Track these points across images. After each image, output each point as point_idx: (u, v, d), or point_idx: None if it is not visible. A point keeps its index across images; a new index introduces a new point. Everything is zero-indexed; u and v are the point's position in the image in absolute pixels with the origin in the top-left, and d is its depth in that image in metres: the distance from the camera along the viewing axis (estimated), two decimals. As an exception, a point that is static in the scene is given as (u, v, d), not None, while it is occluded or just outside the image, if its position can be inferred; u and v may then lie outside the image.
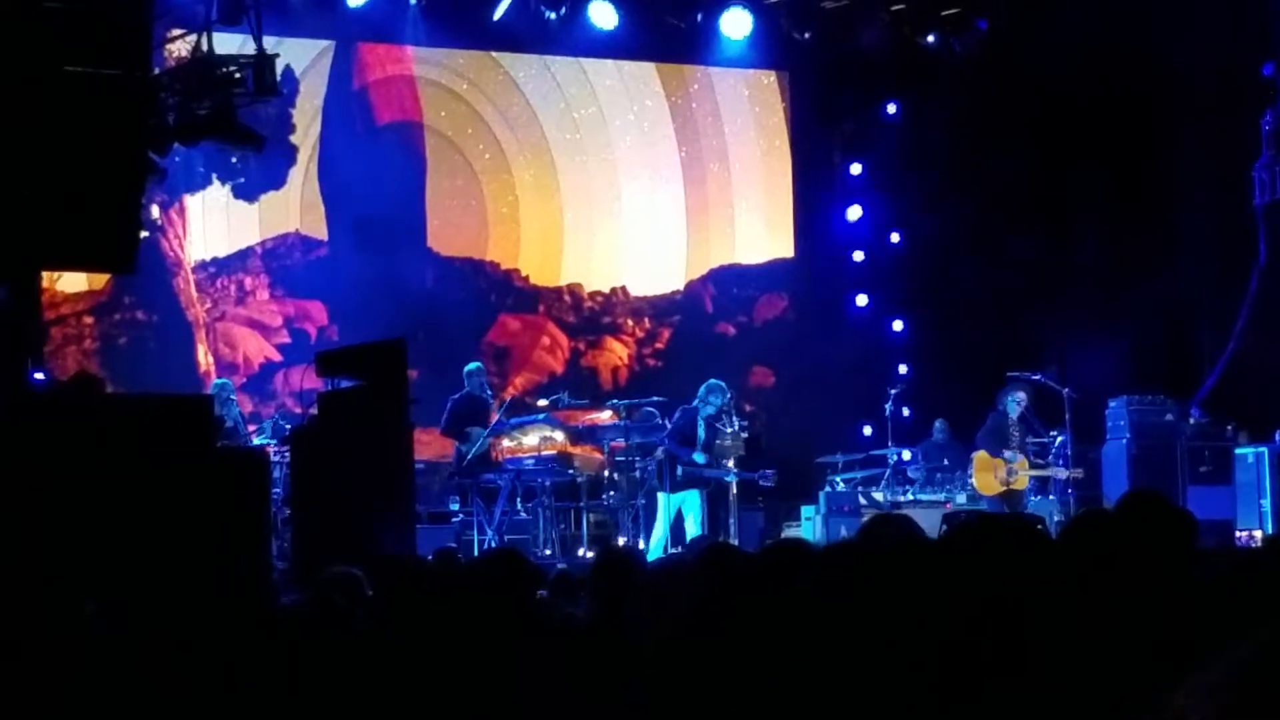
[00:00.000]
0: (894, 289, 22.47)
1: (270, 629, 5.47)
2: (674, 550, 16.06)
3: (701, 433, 16.96)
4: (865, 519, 10.81)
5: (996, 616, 3.24)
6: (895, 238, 22.57)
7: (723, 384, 17.22)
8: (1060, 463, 17.37)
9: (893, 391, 19.16)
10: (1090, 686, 3.26)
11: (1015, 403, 17.19)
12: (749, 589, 3.44)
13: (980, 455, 17.34)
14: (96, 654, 5.07)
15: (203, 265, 19.84)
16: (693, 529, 16.55)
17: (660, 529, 16.88)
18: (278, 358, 19.97)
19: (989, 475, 17.17)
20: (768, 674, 2.71)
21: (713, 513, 17.10)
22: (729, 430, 16.97)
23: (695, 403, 17.13)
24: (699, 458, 16.82)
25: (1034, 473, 17.27)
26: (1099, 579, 3.90)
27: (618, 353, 21.80)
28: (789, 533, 18.42)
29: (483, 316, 21.12)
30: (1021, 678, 3.18)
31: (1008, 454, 17.05)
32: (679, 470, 16.86)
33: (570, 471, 17.39)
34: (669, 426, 17.12)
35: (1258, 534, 17.23)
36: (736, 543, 16.46)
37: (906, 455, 19.10)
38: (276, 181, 20.10)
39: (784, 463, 18.98)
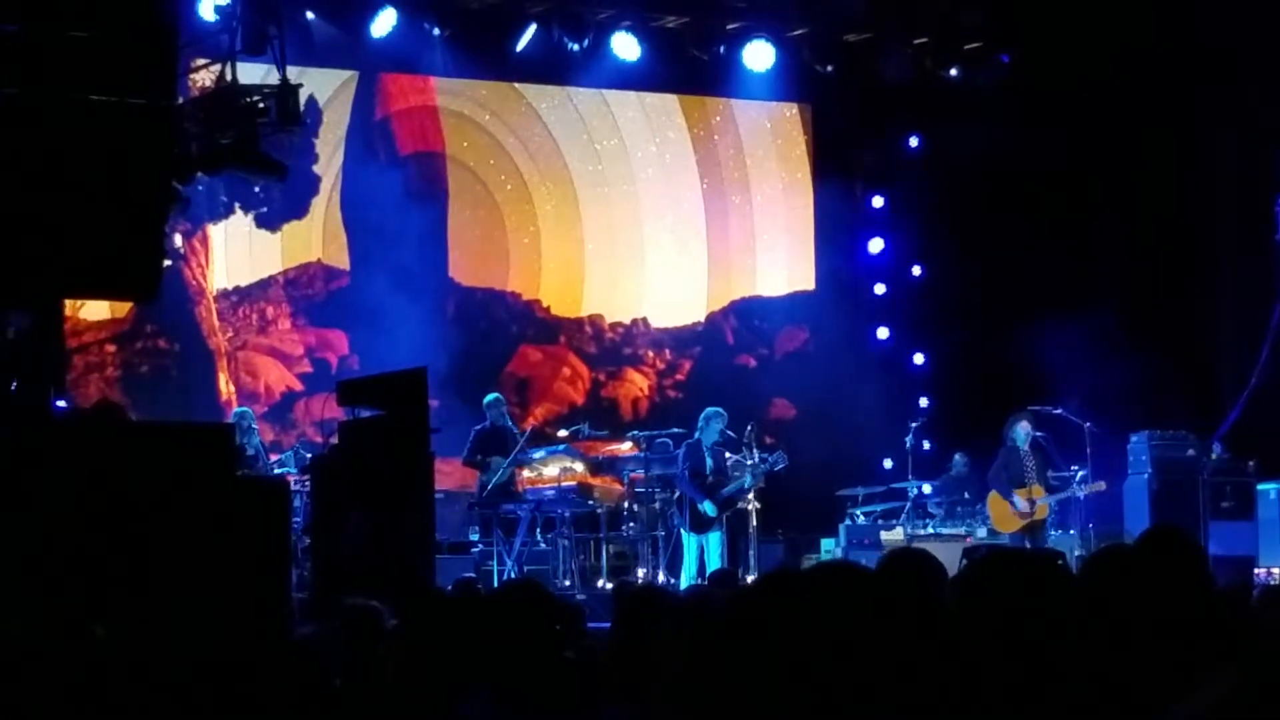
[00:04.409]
0: (915, 322, 22.45)
1: (286, 660, 5.47)
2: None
3: (709, 460, 16.97)
4: (884, 552, 10.80)
5: (1015, 651, 3.23)
6: (917, 271, 22.56)
7: (720, 410, 17.25)
8: (1079, 484, 17.28)
9: (913, 425, 19.13)
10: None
11: (1024, 433, 17.12)
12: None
13: (992, 495, 17.30)
14: (106, 679, 5.07)
15: (225, 294, 19.89)
16: (713, 564, 16.56)
17: (689, 568, 16.88)
18: (299, 387, 20.00)
19: (1005, 512, 17.10)
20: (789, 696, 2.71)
21: (733, 545, 17.10)
22: (748, 462, 16.96)
23: (696, 434, 17.16)
24: (709, 508, 16.77)
25: (1052, 496, 17.18)
26: (1119, 615, 3.89)
27: (638, 384, 21.80)
28: (809, 566, 18.37)
29: (504, 347, 21.14)
30: (1041, 712, 3.17)
31: (1017, 494, 16.97)
32: (701, 506, 16.87)
33: (590, 502, 17.39)
34: (679, 468, 17.12)
35: (1276, 571, 17.15)
36: (756, 574, 16.48)
37: (927, 489, 19.07)
38: (299, 211, 20.15)
39: (804, 496, 18.99)
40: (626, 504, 17.80)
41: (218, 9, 15.59)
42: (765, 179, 22.59)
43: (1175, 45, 20.08)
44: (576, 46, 20.22)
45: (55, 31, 9.89)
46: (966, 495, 18.61)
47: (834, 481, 19.69)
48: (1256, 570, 17.19)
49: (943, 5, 21.29)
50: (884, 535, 18.22)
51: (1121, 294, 21.26)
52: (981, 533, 17.68)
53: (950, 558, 14.38)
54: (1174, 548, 4.19)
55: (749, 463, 17.00)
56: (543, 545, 17.40)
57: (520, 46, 20.25)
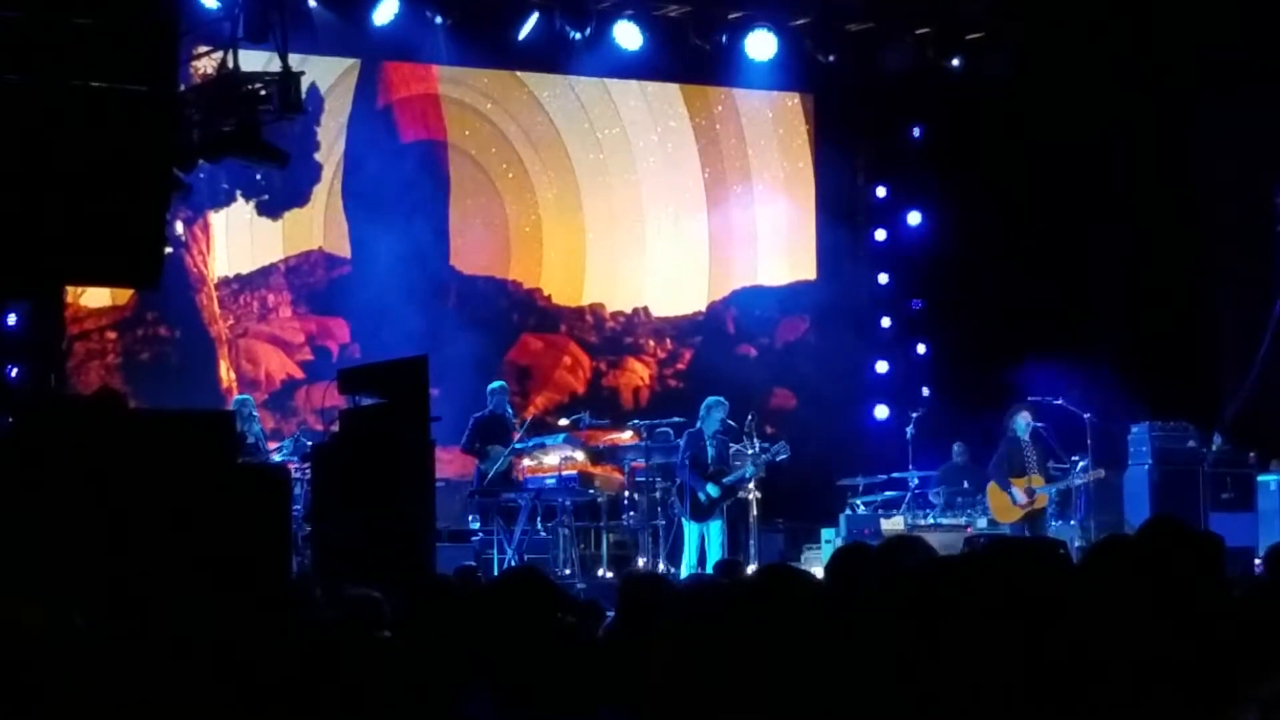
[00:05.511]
0: (917, 312, 22.43)
1: (294, 645, 5.47)
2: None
3: (710, 450, 16.96)
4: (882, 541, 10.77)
5: (1018, 639, 3.23)
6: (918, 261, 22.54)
7: (721, 399, 17.24)
8: (1079, 474, 17.28)
9: (914, 415, 19.12)
10: (1113, 710, 3.25)
11: (1024, 424, 17.10)
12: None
13: (992, 485, 17.29)
14: (89, 667, 5.06)
15: (226, 281, 19.88)
16: (713, 553, 16.56)
17: (690, 557, 16.88)
18: (300, 374, 20.00)
19: (1005, 503, 17.08)
20: (791, 685, 2.71)
21: (733, 534, 17.09)
22: (749, 452, 16.96)
23: (698, 424, 17.15)
24: (712, 489, 16.77)
25: (1052, 486, 17.17)
26: (1121, 604, 3.89)
27: (639, 373, 21.79)
28: (809, 555, 18.43)
29: (505, 335, 21.13)
30: (1043, 701, 3.16)
31: (1017, 484, 16.94)
32: (701, 496, 16.86)
33: (591, 491, 17.39)
34: (680, 457, 17.12)
35: (1277, 562, 17.12)
36: (756, 564, 16.48)
37: (927, 478, 19.07)
38: (300, 199, 20.14)
39: (804, 485, 18.98)
40: (627, 493, 17.80)
41: (219, -4, 15.58)
42: (767, 168, 22.57)
43: (1177, 36, 20.07)
44: (578, 35, 20.20)
45: (57, 19, 9.89)
46: (966, 485, 18.61)
47: (834, 471, 19.70)
48: (1256, 561, 17.19)
49: (944, -5, 21.30)
50: (884, 525, 18.24)
51: (1123, 285, 21.26)
52: (981, 523, 17.69)
53: (951, 547, 14.39)
54: (1174, 538, 4.19)
55: (750, 452, 17.00)
56: (543, 534, 17.40)
57: (522, 35, 20.23)
